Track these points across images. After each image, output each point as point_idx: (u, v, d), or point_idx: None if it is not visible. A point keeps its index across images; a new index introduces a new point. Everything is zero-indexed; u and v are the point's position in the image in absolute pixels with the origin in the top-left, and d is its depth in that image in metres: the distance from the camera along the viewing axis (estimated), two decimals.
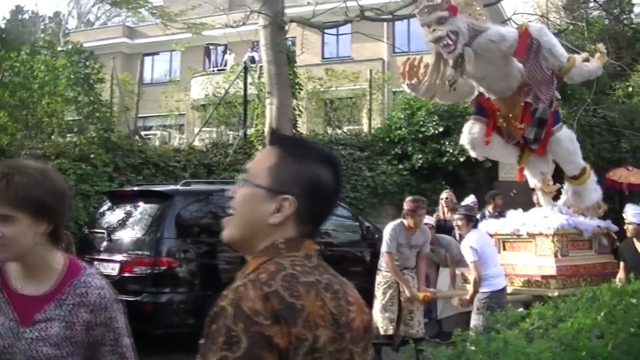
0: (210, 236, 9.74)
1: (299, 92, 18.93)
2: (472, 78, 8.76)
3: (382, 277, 9.15)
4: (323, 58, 30.10)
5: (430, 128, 17.35)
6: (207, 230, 10.07)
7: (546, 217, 9.22)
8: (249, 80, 18.76)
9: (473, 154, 9.59)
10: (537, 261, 9.10)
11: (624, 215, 8.71)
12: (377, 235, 11.59)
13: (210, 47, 33.81)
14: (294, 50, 20.08)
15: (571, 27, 21.82)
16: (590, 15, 23.44)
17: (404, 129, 17.77)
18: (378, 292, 9.11)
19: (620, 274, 8.51)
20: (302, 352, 1.75)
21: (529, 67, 8.33)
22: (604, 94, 19.48)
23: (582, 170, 9.44)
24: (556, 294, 8.31)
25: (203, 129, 20.13)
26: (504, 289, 8.48)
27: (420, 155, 17.24)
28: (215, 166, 15.97)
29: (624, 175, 16.20)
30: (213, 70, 31.04)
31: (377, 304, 9.01)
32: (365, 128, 20.41)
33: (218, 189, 10.62)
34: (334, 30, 22.41)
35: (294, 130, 16.96)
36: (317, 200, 2.00)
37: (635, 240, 8.51)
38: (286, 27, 17.22)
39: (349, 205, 14.99)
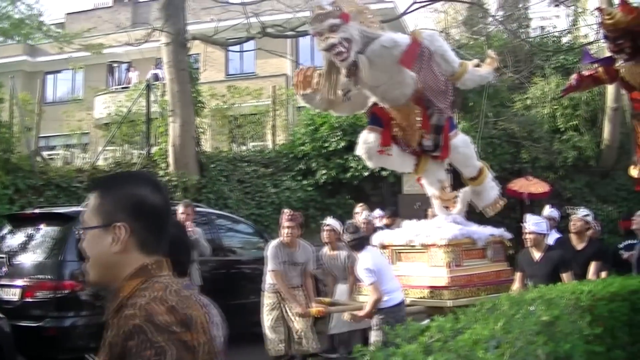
0: None
1: (203, 110, 18.80)
2: (365, 87, 8.61)
3: (266, 299, 9.27)
4: (227, 74, 29.97)
5: (334, 143, 17.42)
6: None
7: (440, 228, 9.20)
8: (152, 98, 18.51)
9: (370, 164, 9.52)
10: (431, 272, 9.01)
11: (524, 224, 8.76)
12: None
13: (114, 64, 33.30)
14: (198, 68, 20.01)
15: (471, 42, 22.28)
16: (490, 31, 23.99)
17: (307, 145, 17.81)
18: (264, 313, 9.25)
19: (516, 284, 8.59)
20: (200, 356, 2.01)
21: (423, 74, 8.11)
22: (503, 106, 20.00)
23: (480, 171, 9.59)
24: (450, 304, 8.40)
25: (106, 148, 19.75)
26: (401, 303, 8.41)
27: (325, 171, 17.29)
28: None
29: (525, 185, 16.54)
30: (116, 88, 30.54)
31: (265, 325, 9.16)
32: (270, 144, 20.36)
33: None
34: (237, 47, 22.37)
35: (197, 148, 16.81)
36: (148, 218, 2.23)
37: (533, 249, 8.53)
38: (189, 45, 17.12)
39: (254, 222, 14.94)
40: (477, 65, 9.07)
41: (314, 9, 7.90)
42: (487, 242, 9.49)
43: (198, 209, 11.53)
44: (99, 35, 23.38)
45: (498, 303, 4.87)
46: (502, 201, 10.22)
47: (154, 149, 17.39)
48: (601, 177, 18.89)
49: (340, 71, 8.10)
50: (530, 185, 16.49)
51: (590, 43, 20.16)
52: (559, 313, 4.88)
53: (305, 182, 17.28)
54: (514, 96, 20.67)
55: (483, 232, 9.47)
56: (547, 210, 11.79)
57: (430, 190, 9.76)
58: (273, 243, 9.37)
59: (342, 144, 17.31)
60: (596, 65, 10.52)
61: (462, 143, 9.32)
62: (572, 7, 24.54)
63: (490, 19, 23.80)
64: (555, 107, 19.58)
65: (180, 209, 10.13)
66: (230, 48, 23.50)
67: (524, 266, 8.58)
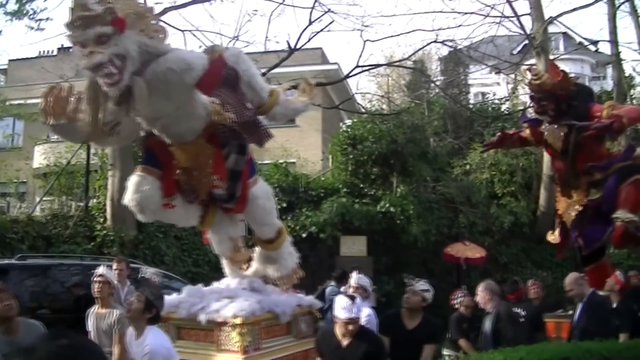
0: (50, 312, 9.35)
1: None
2: (141, 117, 6.50)
3: None
4: None
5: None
6: (45, 306, 9.65)
7: (232, 299, 7.14)
8: (93, 151, 18.34)
9: (141, 218, 6.83)
10: (221, 359, 6.94)
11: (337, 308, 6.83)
12: None
13: None
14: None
15: (413, 105, 22.66)
16: (431, 96, 24.46)
17: None
18: None
19: None
20: None
21: (224, 102, 6.53)
22: (442, 171, 20.28)
23: (278, 232, 7.77)
24: None
25: (44, 198, 19.43)
26: None
27: None
28: (55, 238, 15.38)
29: (461, 249, 16.72)
30: (57, 139, 30.18)
31: None
32: None
33: (56, 263, 10.18)
34: None
35: None
36: None
37: (338, 329, 6.60)
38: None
39: (191, 280, 14.75)
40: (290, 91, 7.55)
41: (74, 8, 5.68)
42: (293, 314, 7.76)
43: (133, 265, 11.37)
44: (42, 83, 23.11)
45: None
46: (300, 272, 8.32)
47: (92, 202, 17.16)
48: (536, 243, 19.20)
49: (108, 96, 6.01)
50: (466, 250, 16.68)
51: (526, 109, 20.67)
52: None
53: None
54: (453, 161, 21.04)
55: (288, 302, 7.72)
56: (355, 277, 9.44)
57: (220, 249, 7.88)
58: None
59: (283, 204, 17.29)
60: (525, 125, 10.77)
61: (263, 194, 7.45)
62: (512, 75, 25.16)
63: (432, 84, 24.26)
64: (493, 172, 19.98)
65: (114, 265, 9.74)
66: None
67: (325, 351, 6.75)
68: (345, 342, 6.48)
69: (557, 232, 11.34)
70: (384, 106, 23.25)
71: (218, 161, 6.77)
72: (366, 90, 27.04)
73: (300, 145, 24.12)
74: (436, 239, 17.96)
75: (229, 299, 7.14)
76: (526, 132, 11.08)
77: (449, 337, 9.12)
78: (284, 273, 7.97)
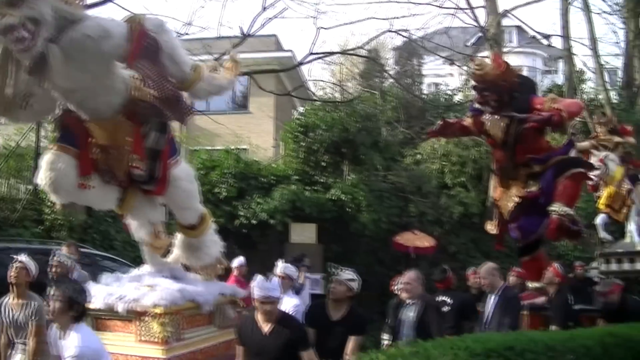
0: None
1: None
2: (56, 90, 6.08)
3: None
4: None
5: (224, 189, 17.25)
6: None
7: (152, 288, 6.75)
8: (43, 133, 17.96)
9: (56, 199, 6.41)
10: (141, 350, 6.55)
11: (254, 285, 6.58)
12: None
13: None
14: None
15: (366, 94, 22.65)
16: (384, 85, 24.46)
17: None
18: None
19: None
20: None
21: (144, 76, 6.15)
22: (393, 160, 20.30)
23: (202, 219, 7.38)
24: None
25: None
26: None
27: (214, 219, 16.97)
28: (3, 222, 15.05)
29: (411, 239, 16.79)
30: (5, 121, 29.57)
31: None
32: None
33: (3, 247, 9.91)
34: None
35: None
36: None
37: (260, 317, 6.33)
38: None
39: (140, 265, 14.58)
40: (214, 70, 7.14)
41: None
42: (215, 304, 7.41)
43: (82, 249, 11.16)
44: None
45: (376, 357, 4.84)
46: (225, 262, 8.21)
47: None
48: (486, 234, 19.21)
49: (20, 64, 5.62)
50: (416, 239, 16.74)
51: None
52: None
53: None
54: (404, 151, 21.09)
55: (210, 290, 7.33)
56: (281, 266, 9.15)
57: (139, 235, 7.31)
58: None
59: (233, 191, 17.24)
60: (468, 114, 10.76)
61: (185, 175, 6.98)
62: (465, 67, 25.30)
63: (386, 73, 24.26)
64: (444, 163, 20.07)
65: (63, 249, 9.47)
66: None
67: (246, 339, 6.41)
68: (266, 329, 6.22)
69: (494, 222, 11.39)
70: (337, 95, 23.20)
71: (137, 140, 6.40)
72: (320, 78, 26.83)
73: (252, 132, 23.96)
74: (386, 228, 17.97)
75: (148, 287, 6.76)
76: (468, 122, 11.06)
77: (387, 323, 9.01)
78: (207, 262, 7.60)
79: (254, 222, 16.69)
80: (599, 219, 14.12)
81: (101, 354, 5.70)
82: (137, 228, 7.25)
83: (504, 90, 10.21)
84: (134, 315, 6.55)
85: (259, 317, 6.27)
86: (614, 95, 26.20)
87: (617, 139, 13.70)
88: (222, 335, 7.43)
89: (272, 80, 23.08)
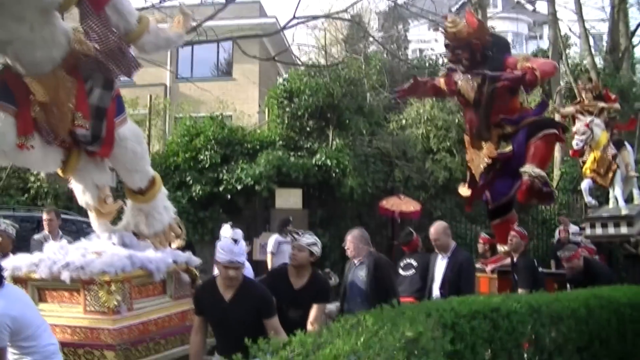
0: None
1: None
2: None
3: None
4: None
5: (209, 156, 17.17)
6: None
7: (99, 255, 6.25)
8: None
9: None
10: (89, 321, 6.04)
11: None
12: None
13: None
14: None
15: (351, 59, 22.52)
16: (369, 50, 24.34)
17: (180, 155, 17.46)
18: None
19: (195, 333, 5.94)
20: None
21: (87, 28, 5.76)
22: (378, 125, 20.27)
23: (151, 182, 6.89)
24: None
25: None
26: None
27: (199, 186, 16.95)
28: None
29: (396, 203, 16.75)
30: None
31: None
32: None
33: None
34: None
35: None
36: None
37: (222, 284, 5.79)
38: None
39: None
40: (162, 22, 6.76)
41: None
42: (168, 272, 6.90)
43: (67, 216, 11.11)
44: None
45: (362, 319, 4.84)
46: (181, 230, 7.60)
47: None
48: None
49: None
50: (401, 204, 16.72)
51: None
52: (422, 330, 4.89)
53: (179, 193, 16.92)
54: (389, 116, 21.05)
55: (162, 258, 6.80)
56: (228, 230, 7.44)
57: (84, 200, 6.89)
58: None
59: (218, 157, 17.18)
60: (441, 73, 10.65)
61: (132, 135, 6.52)
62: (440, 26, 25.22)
63: (370, 38, 24.13)
64: (429, 128, 20.03)
65: (44, 215, 9.47)
66: None
67: (205, 308, 5.86)
68: (228, 295, 5.72)
69: (466, 184, 11.28)
70: (322, 60, 23.09)
71: (80, 96, 5.99)
72: (304, 43, 26.65)
73: (236, 99, 23.89)
74: (371, 193, 17.97)
75: (96, 254, 6.26)
76: (440, 81, 10.95)
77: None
78: (158, 229, 7.08)
79: (239, 187, 16.61)
80: (584, 184, 14.16)
81: (27, 320, 5.15)
82: (81, 192, 6.86)
83: (477, 49, 10.12)
84: (80, 285, 6.06)
85: (221, 283, 5.77)
86: (599, 60, 26.25)
87: (601, 104, 13.73)
88: (177, 305, 6.96)
89: (255, 46, 22.91)
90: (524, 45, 35.88)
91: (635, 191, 13.95)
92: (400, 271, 9.21)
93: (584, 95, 14.12)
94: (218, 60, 28.47)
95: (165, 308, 6.79)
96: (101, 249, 6.42)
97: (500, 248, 10.82)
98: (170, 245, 7.47)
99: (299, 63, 22.17)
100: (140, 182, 6.73)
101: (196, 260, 7.41)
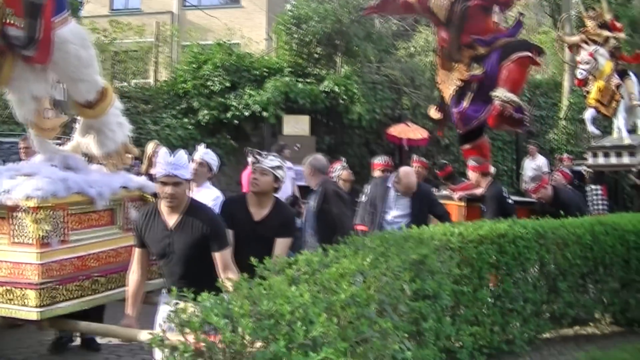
0: None
1: None
2: None
3: None
4: (112, 9, 28.80)
5: (217, 83, 17.16)
6: None
7: (30, 177, 5.29)
8: None
9: None
10: (14, 255, 5.16)
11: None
12: None
13: None
14: (82, 1, 19.23)
15: None
16: None
17: (189, 83, 17.47)
18: None
19: (134, 265, 5.12)
20: None
21: None
22: (387, 52, 20.09)
23: (101, 94, 5.88)
24: (37, 316, 4.95)
25: None
26: None
27: (207, 112, 16.98)
28: None
29: (404, 131, 16.76)
30: None
31: None
32: (152, 82, 19.90)
33: None
34: None
35: None
36: None
37: (165, 208, 4.96)
38: None
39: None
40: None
41: None
42: (116, 199, 5.94)
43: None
44: None
45: (368, 240, 4.91)
46: (135, 150, 6.69)
47: None
48: None
49: None
50: (409, 132, 16.72)
51: None
52: (427, 252, 4.98)
53: (185, 120, 16.95)
54: (397, 43, 20.85)
55: (108, 182, 5.87)
56: (200, 151, 7.06)
57: (22, 114, 5.84)
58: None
59: (226, 84, 17.18)
60: None
61: (75, 38, 5.55)
62: None
63: None
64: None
65: (20, 143, 8.88)
66: None
67: (146, 236, 5.01)
68: (171, 222, 4.89)
69: (436, 107, 10.99)
70: None
71: None
72: None
73: (244, 26, 23.66)
74: (379, 120, 17.95)
75: (25, 177, 5.31)
76: None
77: None
78: (111, 148, 6.14)
79: (246, 114, 16.66)
80: (588, 114, 14.11)
81: None
82: (18, 105, 5.81)
83: None
84: (5, 211, 5.18)
85: (163, 207, 4.93)
86: None
87: (606, 33, 13.57)
88: (125, 238, 5.89)
89: None
90: None
91: (638, 121, 13.92)
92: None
93: (588, 24, 13.95)
94: None
95: (112, 241, 5.86)
96: (34, 170, 5.48)
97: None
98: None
99: None
100: (87, 93, 5.77)
101: (152, 187, 6.06)
